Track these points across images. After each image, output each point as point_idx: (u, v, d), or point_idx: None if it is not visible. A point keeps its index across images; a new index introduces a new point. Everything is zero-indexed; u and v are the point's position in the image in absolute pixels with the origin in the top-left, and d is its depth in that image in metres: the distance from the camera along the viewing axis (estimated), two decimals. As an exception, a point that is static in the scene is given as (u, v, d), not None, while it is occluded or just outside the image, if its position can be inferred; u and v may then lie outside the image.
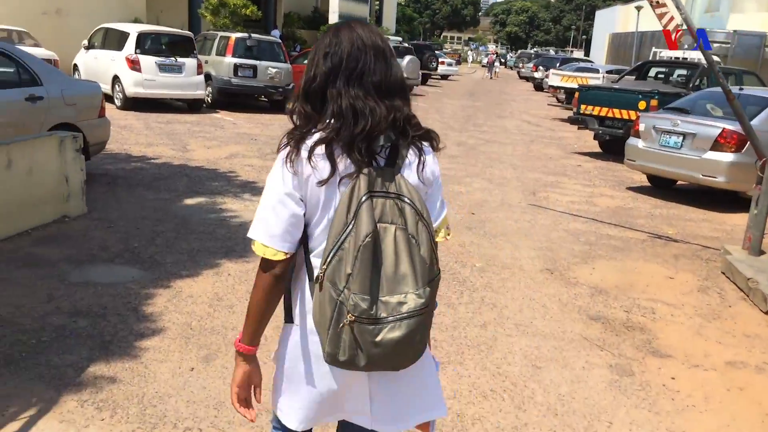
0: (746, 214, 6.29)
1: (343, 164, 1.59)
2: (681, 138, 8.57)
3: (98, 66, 14.17)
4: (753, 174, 6.28)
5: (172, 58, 13.60)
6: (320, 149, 1.59)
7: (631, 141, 9.34)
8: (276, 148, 1.68)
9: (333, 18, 33.79)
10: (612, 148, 12.39)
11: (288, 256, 1.64)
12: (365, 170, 1.58)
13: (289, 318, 1.74)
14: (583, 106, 12.39)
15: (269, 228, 1.63)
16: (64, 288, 4.43)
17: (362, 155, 1.58)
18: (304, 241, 1.68)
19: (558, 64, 26.36)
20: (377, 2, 42.76)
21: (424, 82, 28.37)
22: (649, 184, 9.84)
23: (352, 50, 1.62)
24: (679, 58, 15.44)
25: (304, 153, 1.59)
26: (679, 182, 9.54)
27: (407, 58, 23.13)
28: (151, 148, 9.62)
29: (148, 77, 13.27)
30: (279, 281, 1.67)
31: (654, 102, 11.14)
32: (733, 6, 26.64)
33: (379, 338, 1.53)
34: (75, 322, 3.93)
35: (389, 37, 29.91)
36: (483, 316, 4.52)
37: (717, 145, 8.19)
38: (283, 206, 1.62)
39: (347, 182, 1.58)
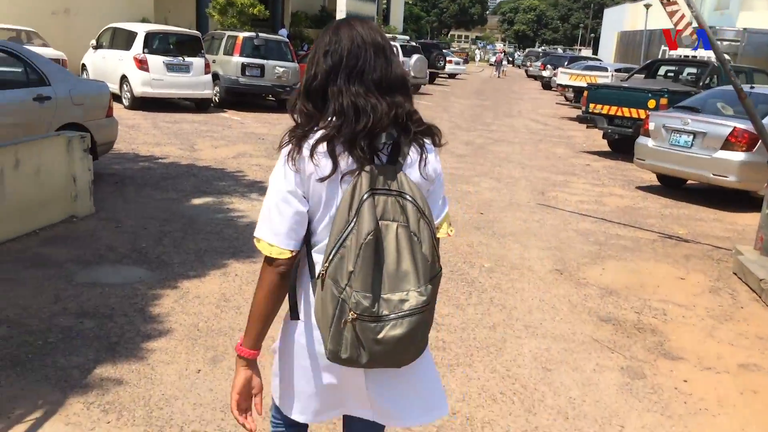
0: (758, 213, 6.22)
1: (345, 161, 1.59)
2: (691, 137, 8.49)
3: (106, 66, 14.20)
4: (764, 173, 6.23)
5: (180, 58, 13.61)
6: (322, 147, 1.59)
7: (641, 140, 9.27)
8: (277, 145, 1.67)
9: (340, 17, 33.71)
10: (621, 147, 12.31)
11: (293, 254, 1.64)
12: (367, 168, 1.58)
13: (295, 315, 1.72)
14: (592, 105, 12.31)
15: (274, 226, 1.63)
16: (71, 288, 4.42)
17: (364, 152, 1.58)
18: (306, 238, 1.68)
19: (566, 63, 26.26)
20: (385, 1, 42.70)
21: (431, 81, 28.31)
22: (658, 183, 9.76)
23: (352, 48, 1.62)
24: (688, 56, 15.34)
25: (305, 151, 1.59)
26: (689, 181, 9.46)
27: (415, 56, 23.09)
28: (158, 148, 9.62)
29: (156, 77, 13.27)
30: (284, 279, 1.66)
31: (664, 101, 11.05)
32: (743, 3, 26.46)
33: (381, 336, 1.54)
34: (82, 323, 3.92)
35: (397, 35, 29.86)
36: (492, 318, 4.48)
37: (728, 144, 8.11)
38: (287, 204, 1.62)
39: (349, 179, 1.59)
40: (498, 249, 6.04)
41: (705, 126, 8.39)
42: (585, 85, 15.32)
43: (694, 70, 13.45)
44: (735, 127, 8.07)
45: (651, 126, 9.07)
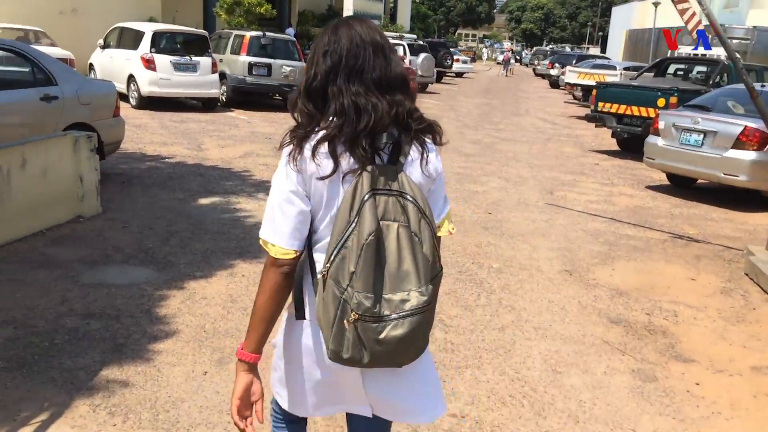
0: (770, 213, 6.16)
1: (347, 161, 1.59)
2: (702, 136, 8.42)
3: (114, 65, 14.21)
4: (777, 173, 6.14)
5: (187, 57, 13.61)
6: (323, 147, 1.59)
7: (651, 139, 9.19)
8: (278, 145, 1.68)
9: (347, 16, 33.72)
10: (630, 146, 12.23)
11: (297, 254, 1.65)
12: (368, 168, 1.58)
13: (300, 315, 1.72)
14: (600, 104, 12.23)
15: (278, 226, 1.63)
16: (77, 289, 4.40)
17: (366, 152, 1.58)
18: (307, 237, 1.69)
19: (574, 61, 26.15)
20: (392, 0, 42.63)
21: (438, 79, 28.25)
22: (668, 182, 9.68)
23: (351, 47, 1.62)
24: (697, 54, 15.22)
25: (307, 151, 1.60)
26: (699, 181, 9.38)
27: (422, 55, 23.05)
28: (165, 148, 9.61)
29: (163, 76, 13.27)
30: (288, 280, 1.66)
31: (674, 99, 10.97)
32: (753, 1, 26.27)
33: (382, 336, 1.54)
34: (88, 324, 3.90)
35: (404, 34, 29.81)
36: (501, 319, 4.44)
37: (739, 143, 8.03)
38: (290, 204, 1.62)
39: (350, 179, 1.59)
40: (506, 249, 5.99)
41: (716, 125, 8.31)
42: (594, 83, 15.23)
43: (704, 69, 13.35)
44: (746, 126, 7.99)
45: (661, 125, 8.99)
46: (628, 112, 11.74)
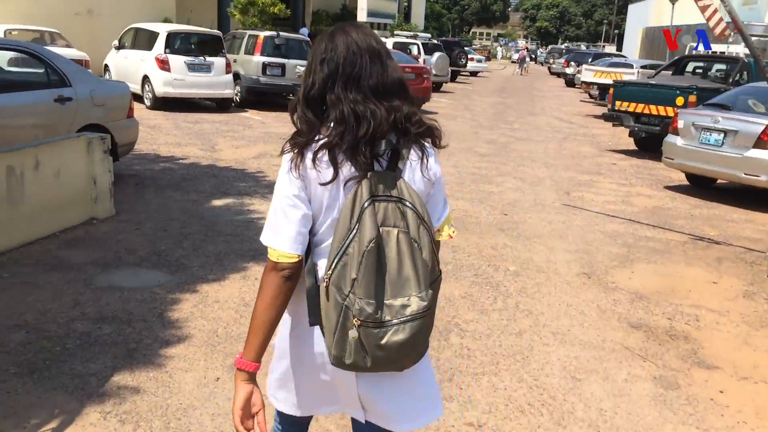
0: (794, 215, 6.02)
1: (347, 168, 1.61)
2: (722, 135, 8.26)
3: (128, 66, 14.24)
4: (801, 173, 6.00)
5: (201, 58, 13.61)
6: (324, 155, 1.61)
7: (670, 138, 9.04)
8: (279, 151, 1.69)
9: (361, 15, 33.67)
10: (648, 145, 12.07)
11: (299, 258, 1.65)
12: (367, 175, 1.60)
13: (314, 320, 1.68)
14: (618, 103, 12.08)
15: (281, 231, 1.64)
16: (90, 293, 4.37)
17: (366, 159, 1.60)
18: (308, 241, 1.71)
19: (590, 60, 25.90)
20: (406, -1, 42.52)
21: (453, 78, 28.10)
22: (687, 182, 9.52)
23: (348, 55, 1.63)
24: (716, 52, 15.00)
25: (308, 158, 1.62)
26: (719, 181, 9.22)
27: (436, 54, 22.94)
28: (179, 148, 9.60)
29: (178, 77, 13.28)
30: (289, 284, 1.66)
31: (693, 98, 10.80)
32: (772, -2, 25.85)
33: (383, 341, 1.56)
34: (100, 329, 3.86)
35: (418, 33, 29.71)
36: (518, 324, 4.35)
37: (760, 143, 7.87)
38: (293, 208, 1.64)
39: (351, 185, 1.61)
40: (523, 251, 5.90)
41: (736, 124, 8.16)
42: (611, 82, 15.04)
43: (723, 67, 13.14)
44: (767, 125, 7.82)
45: (680, 124, 8.84)
46: (646, 111, 11.58)
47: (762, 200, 8.41)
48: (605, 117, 12.72)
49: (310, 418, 2.00)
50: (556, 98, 24.74)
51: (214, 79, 13.74)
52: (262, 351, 1.67)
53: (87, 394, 3.18)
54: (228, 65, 13.98)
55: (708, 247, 6.45)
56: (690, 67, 13.82)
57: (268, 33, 15.49)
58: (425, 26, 46.96)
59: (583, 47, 53.30)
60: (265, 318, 1.65)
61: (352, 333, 1.56)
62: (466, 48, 34.26)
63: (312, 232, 1.68)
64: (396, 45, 21.38)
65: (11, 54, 8.17)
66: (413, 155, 1.67)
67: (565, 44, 67.28)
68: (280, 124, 12.65)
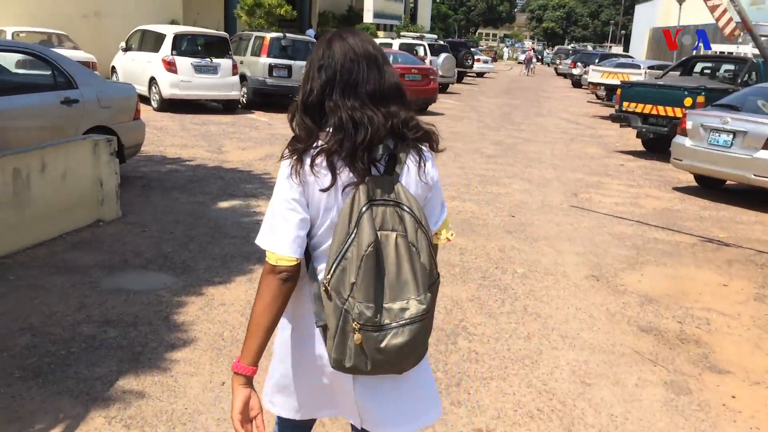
0: (805, 217, 5.95)
1: (345, 174, 1.62)
2: (731, 136, 8.19)
3: (135, 68, 14.27)
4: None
5: (208, 59, 13.61)
6: (323, 161, 1.62)
7: (678, 139, 8.97)
8: (279, 157, 1.70)
9: (368, 17, 33.69)
10: (656, 146, 12.00)
11: (297, 261, 1.65)
12: (365, 180, 1.61)
13: (320, 323, 1.69)
14: (625, 103, 12.01)
15: (278, 234, 1.65)
16: (95, 295, 4.35)
17: (364, 164, 1.61)
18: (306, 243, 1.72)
19: (597, 60, 25.81)
20: (412, 0, 42.49)
21: (459, 79, 28.07)
22: (696, 184, 9.45)
23: (345, 61, 1.65)
24: (723, 52, 14.92)
25: (307, 164, 1.63)
26: (728, 182, 9.14)
27: (443, 55, 22.89)
28: (186, 150, 9.59)
29: (184, 78, 13.29)
30: (287, 287, 1.66)
31: (701, 98, 10.72)
32: (781, -2, 25.71)
33: (383, 344, 1.58)
34: (105, 332, 3.84)
35: (424, 34, 29.68)
36: (526, 327, 4.30)
37: (770, 144, 7.80)
38: (292, 212, 1.64)
39: (349, 190, 1.62)
40: (531, 254, 5.85)
41: (745, 125, 8.08)
42: (618, 82, 14.96)
43: (731, 67, 13.05)
44: (778, 126, 7.75)
45: (688, 125, 8.77)
46: (654, 112, 11.50)
47: (772, 202, 8.34)
48: (613, 118, 12.66)
49: (311, 422, 2.01)
50: (562, 99, 24.65)
51: (221, 80, 13.74)
52: (260, 354, 1.67)
53: (92, 399, 3.16)
54: (234, 67, 13.98)
55: (718, 249, 6.39)
56: (698, 67, 13.73)
57: (274, 34, 15.49)
58: (431, 27, 46.95)
59: (589, 48, 53.11)
60: (262, 320, 1.65)
61: (356, 338, 1.57)
62: (472, 49, 34.20)
63: (309, 236, 1.69)
64: (402, 46, 21.36)
65: (18, 56, 8.17)
66: (411, 160, 1.68)
67: (572, 45, 67.05)
68: (287, 126, 12.47)
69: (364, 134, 1.60)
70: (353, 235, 1.58)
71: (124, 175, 6.49)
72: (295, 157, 1.64)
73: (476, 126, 14.50)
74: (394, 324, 1.58)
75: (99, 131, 6.51)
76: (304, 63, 14.89)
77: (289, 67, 14.85)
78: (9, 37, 14.62)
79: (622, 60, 23.49)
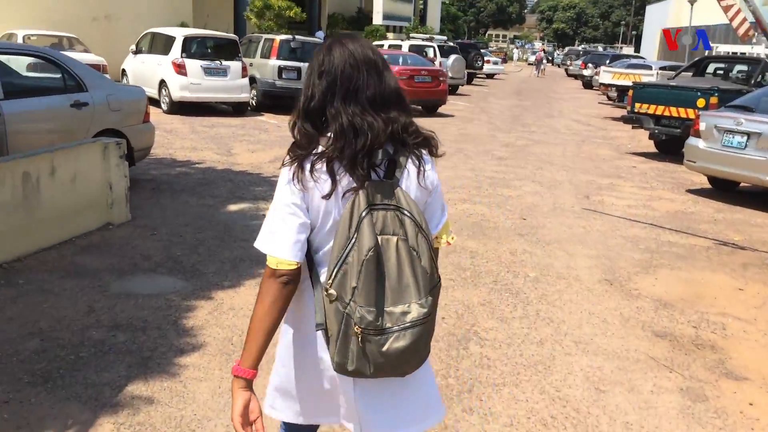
0: (822, 219, 5.85)
1: (346, 179, 1.63)
2: (745, 137, 8.09)
3: (145, 70, 14.30)
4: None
5: (218, 62, 13.62)
6: (323, 167, 1.63)
7: (691, 141, 8.88)
8: (280, 163, 1.71)
9: (377, 18, 33.66)
10: (669, 148, 11.89)
11: (297, 264, 1.66)
12: (365, 185, 1.62)
13: (320, 326, 1.69)
14: (637, 105, 11.91)
15: (279, 238, 1.65)
16: (105, 300, 4.33)
17: (364, 170, 1.62)
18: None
19: (608, 61, 25.66)
20: (421, 1, 42.47)
21: (469, 81, 27.99)
22: (710, 186, 9.35)
23: (345, 67, 1.65)
24: (736, 52, 14.79)
25: (307, 170, 1.64)
26: (742, 184, 9.03)
27: (452, 57, 22.84)
28: (195, 153, 9.58)
29: (194, 81, 13.31)
30: (288, 291, 1.66)
31: (714, 99, 10.61)
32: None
33: (385, 348, 1.59)
34: (114, 337, 3.81)
35: (434, 36, 29.63)
36: (539, 332, 4.25)
37: (786, 145, 7.69)
38: (293, 216, 1.65)
39: (349, 195, 1.63)
40: (543, 257, 5.79)
41: (760, 126, 7.98)
42: (630, 83, 14.85)
43: (744, 67, 12.90)
44: (793, 127, 7.65)
45: (702, 126, 8.68)
46: (667, 113, 11.40)
47: (787, 204, 8.24)
48: (625, 119, 12.55)
49: (315, 428, 2.00)
50: (573, 100, 24.52)
51: (230, 83, 13.75)
52: (260, 358, 1.67)
53: (100, 405, 3.13)
54: (244, 69, 13.99)
55: (733, 252, 6.30)
56: (711, 68, 13.59)
57: (284, 37, 15.49)
58: (441, 29, 46.90)
59: (600, 49, 52.91)
60: (263, 324, 1.65)
61: (359, 343, 1.58)
62: (482, 50, 34.11)
63: (310, 241, 1.70)
64: (412, 48, 21.32)
65: (29, 59, 8.19)
66: (410, 164, 1.69)
67: (582, 46, 66.82)
68: (296, 128, 12.56)
69: (365, 140, 1.61)
70: (354, 240, 1.59)
71: (133, 179, 6.48)
72: (296, 164, 1.65)
73: (486, 128, 14.43)
74: (395, 328, 1.59)
75: (109, 134, 6.51)
76: (313, 65, 15.08)
77: (298, 70, 14.83)
78: (20, 40, 14.68)
79: (634, 61, 23.31)
